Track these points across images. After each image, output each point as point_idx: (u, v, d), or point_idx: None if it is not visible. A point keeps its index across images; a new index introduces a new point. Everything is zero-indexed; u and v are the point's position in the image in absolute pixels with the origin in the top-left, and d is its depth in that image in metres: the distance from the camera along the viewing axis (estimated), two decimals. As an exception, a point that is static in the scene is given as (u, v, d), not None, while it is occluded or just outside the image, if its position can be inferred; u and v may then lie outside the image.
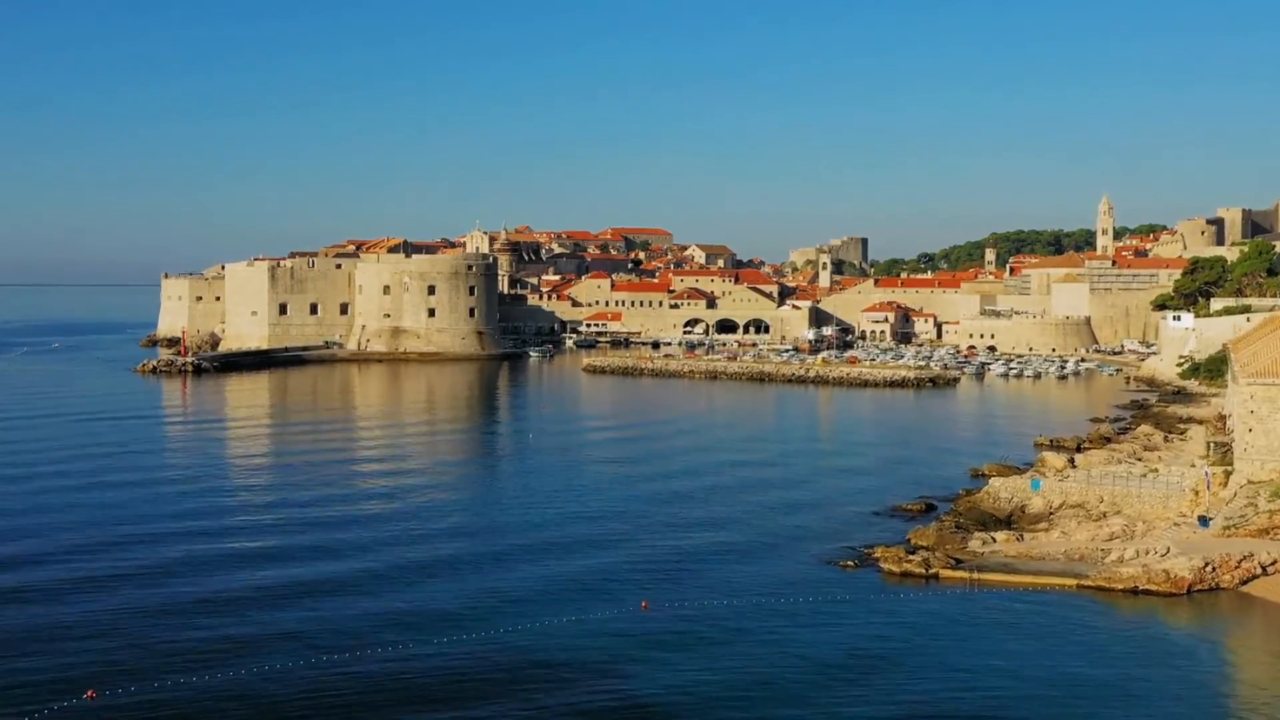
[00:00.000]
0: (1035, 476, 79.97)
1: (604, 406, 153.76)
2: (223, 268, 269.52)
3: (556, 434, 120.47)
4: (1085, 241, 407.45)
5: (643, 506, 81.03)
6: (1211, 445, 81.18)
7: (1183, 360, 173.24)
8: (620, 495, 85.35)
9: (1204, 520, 65.47)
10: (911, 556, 64.02)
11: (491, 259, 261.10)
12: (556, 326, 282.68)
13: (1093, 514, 73.74)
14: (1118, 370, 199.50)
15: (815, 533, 73.23)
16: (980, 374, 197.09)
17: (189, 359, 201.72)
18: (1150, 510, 72.81)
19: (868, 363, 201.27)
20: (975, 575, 61.43)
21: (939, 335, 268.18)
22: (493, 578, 62.02)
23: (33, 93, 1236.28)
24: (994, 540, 67.69)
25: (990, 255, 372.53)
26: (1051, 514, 75.03)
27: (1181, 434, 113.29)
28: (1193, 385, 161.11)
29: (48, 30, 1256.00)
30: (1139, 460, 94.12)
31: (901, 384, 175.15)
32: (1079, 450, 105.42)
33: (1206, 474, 68.08)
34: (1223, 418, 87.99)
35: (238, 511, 78.96)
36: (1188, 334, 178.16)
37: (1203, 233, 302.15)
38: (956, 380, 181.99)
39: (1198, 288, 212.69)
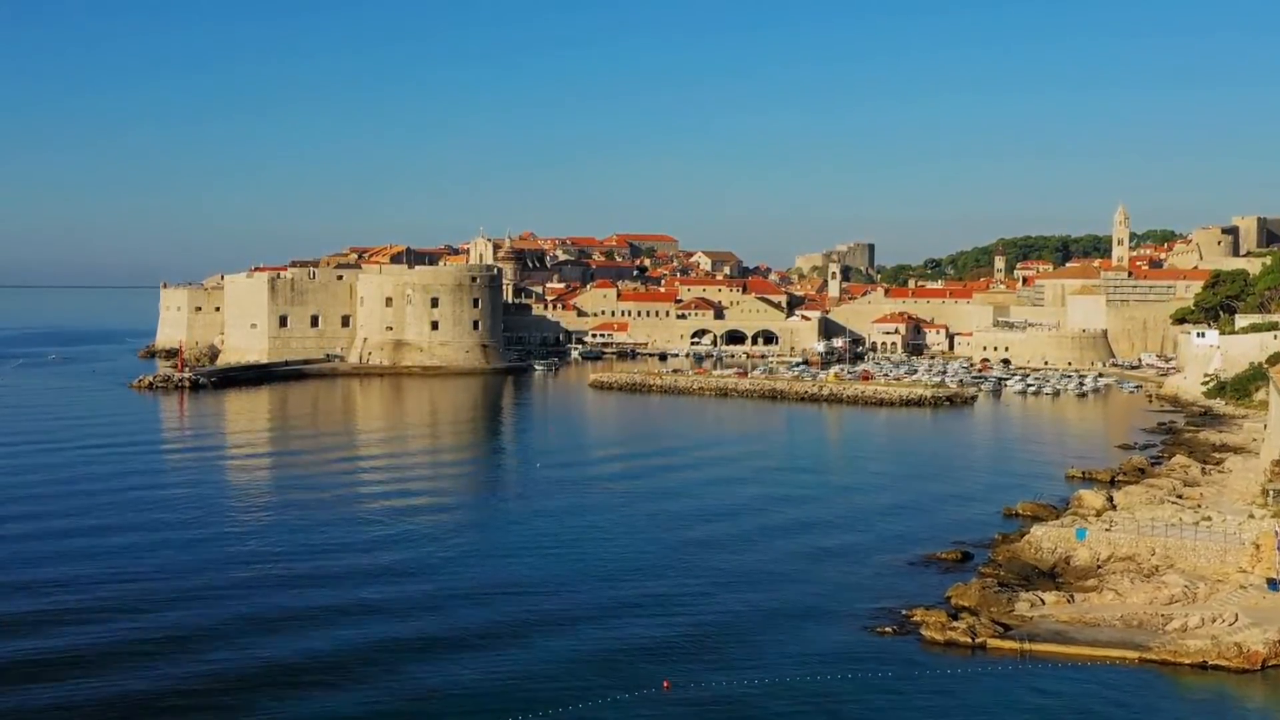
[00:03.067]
0: (1079, 525, 74.97)
1: (612, 430, 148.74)
2: (222, 278, 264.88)
3: (563, 464, 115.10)
4: (1093, 247, 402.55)
5: (658, 558, 75.59)
6: (1271, 494, 76.21)
7: (1208, 379, 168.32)
8: (633, 543, 79.83)
9: (1273, 584, 60.52)
10: (955, 623, 59.06)
11: (496, 269, 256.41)
12: (561, 337, 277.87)
13: (1144, 568, 68.74)
14: (1138, 387, 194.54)
15: (846, 588, 68.19)
16: (997, 391, 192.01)
17: (186, 374, 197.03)
18: (1207, 565, 67.81)
19: (881, 379, 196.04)
20: (1026, 646, 56.54)
21: (951, 347, 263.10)
22: (497, 645, 57.10)
23: (33, 93, 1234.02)
24: (1043, 602, 62.72)
25: (1000, 263, 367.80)
26: (1099, 567, 70.06)
27: (1218, 464, 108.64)
28: (1219, 405, 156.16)
29: (48, 31, 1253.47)
30: (1180, 498, 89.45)
31: (918, 403, 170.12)
32: (1113, 483, 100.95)
33: (1277, 532, 63.03)
34: (1278, 462, 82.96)
35: (222, 595, 69.16)
36: (1212, 351, 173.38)
37: (1219, 242, 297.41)
38: (973, 399, 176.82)
39: (1219, 301, 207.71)
